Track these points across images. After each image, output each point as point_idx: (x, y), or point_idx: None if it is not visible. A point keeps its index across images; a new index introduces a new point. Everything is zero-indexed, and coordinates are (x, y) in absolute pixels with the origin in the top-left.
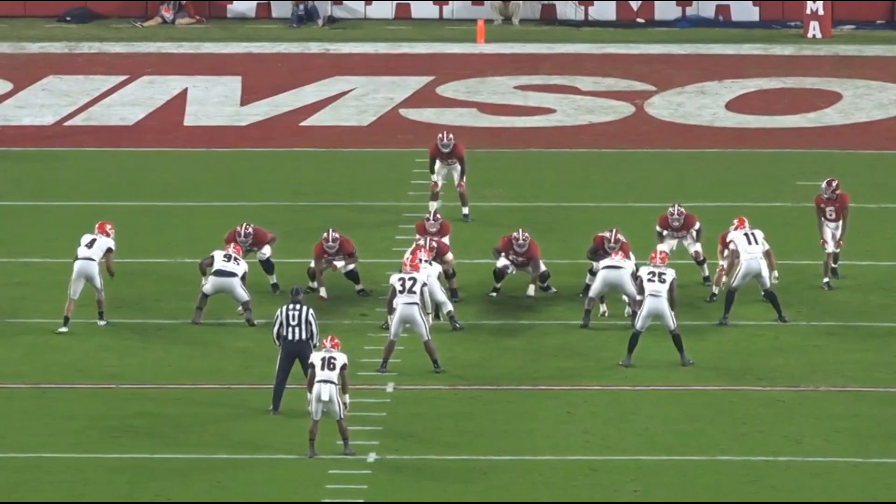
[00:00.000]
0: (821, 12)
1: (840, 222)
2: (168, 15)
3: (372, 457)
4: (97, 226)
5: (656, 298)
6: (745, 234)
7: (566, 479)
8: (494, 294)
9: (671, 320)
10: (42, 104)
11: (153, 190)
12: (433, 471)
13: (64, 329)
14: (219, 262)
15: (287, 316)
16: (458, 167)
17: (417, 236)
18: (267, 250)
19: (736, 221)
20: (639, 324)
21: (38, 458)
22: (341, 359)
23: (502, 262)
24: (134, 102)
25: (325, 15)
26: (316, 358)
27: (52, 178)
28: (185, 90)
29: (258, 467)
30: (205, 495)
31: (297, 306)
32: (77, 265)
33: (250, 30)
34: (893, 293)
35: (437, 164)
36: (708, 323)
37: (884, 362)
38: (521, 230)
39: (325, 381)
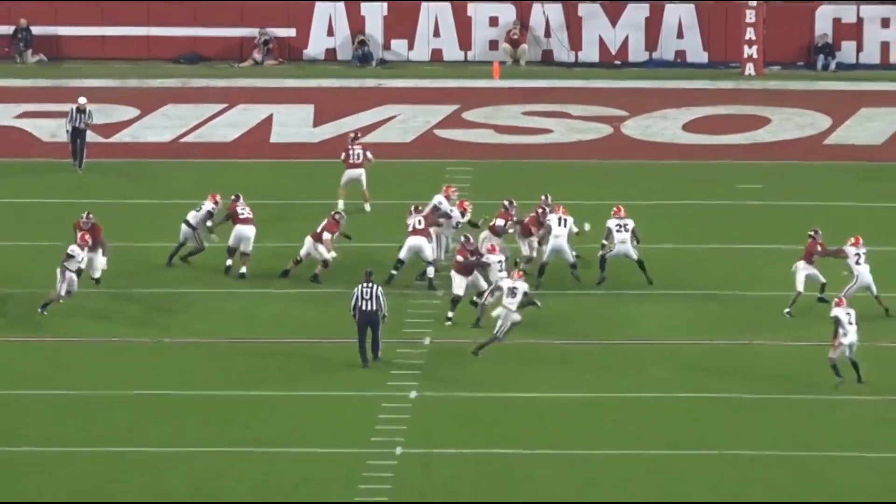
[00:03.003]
0: (755, 55)
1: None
2: (258, 57)
3: (413, 394)
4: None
5: (623, 245)
6: (559, 218)
7: (564, 411)
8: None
9: (634, 254)
10: (162, 126)
11: (246, 192)
12: (465, 405)
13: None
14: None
15: (361, 292)
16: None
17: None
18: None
19: (561, 208)
20: (608, 256)
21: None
22: (522, 287)
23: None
24: (232, 125)
25: (377, 58)
26: (505, 285)
27: (170, 182)
28: (271, 115)
29: (343, 400)
30: (287, 423)
31: (370, 285)
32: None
33: (321, 69)
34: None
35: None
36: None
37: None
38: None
39: (507, 307)
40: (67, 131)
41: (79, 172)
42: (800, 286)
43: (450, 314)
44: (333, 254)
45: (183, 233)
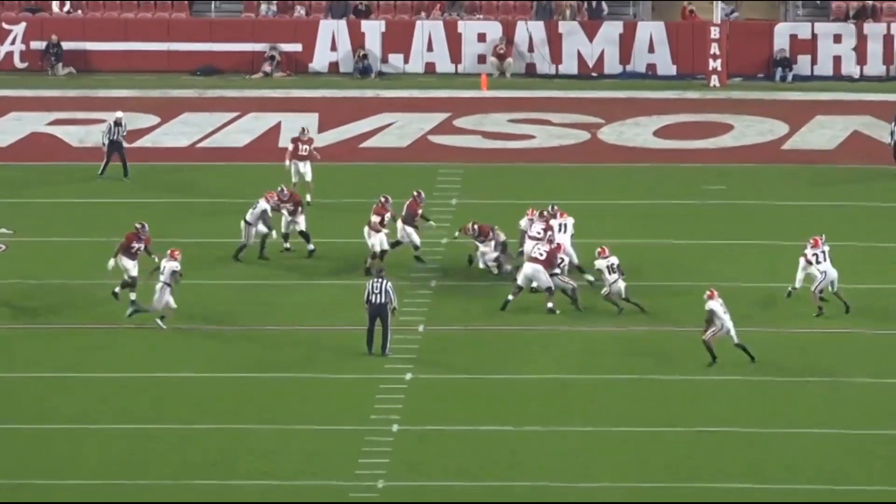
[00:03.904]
0: (719, 68)
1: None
2: (268, 70)
3: (408, 376)
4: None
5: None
6: (560, 223)
7: (545, 391)
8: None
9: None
10: (180, 132)
11: (257, 192)
12: (456, 386)
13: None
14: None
15: (372, 286)
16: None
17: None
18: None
19: (563, 214)
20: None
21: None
22: (615, 260)
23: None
24: (244, 131)
25: (376, 70)
26: (602, 265)
27: (188, 184)
28: (279, 122)
29: (344, 382)
30: (294, 403)
31: (380, 280)
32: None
33: (325, 80)
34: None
35: (295, 163)
36: None
37: None
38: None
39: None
40: (104, 144)
41: (125, 181)
42: (797, 283)
43: (550, 304)
44: (383, 234)
45: (244, 232)
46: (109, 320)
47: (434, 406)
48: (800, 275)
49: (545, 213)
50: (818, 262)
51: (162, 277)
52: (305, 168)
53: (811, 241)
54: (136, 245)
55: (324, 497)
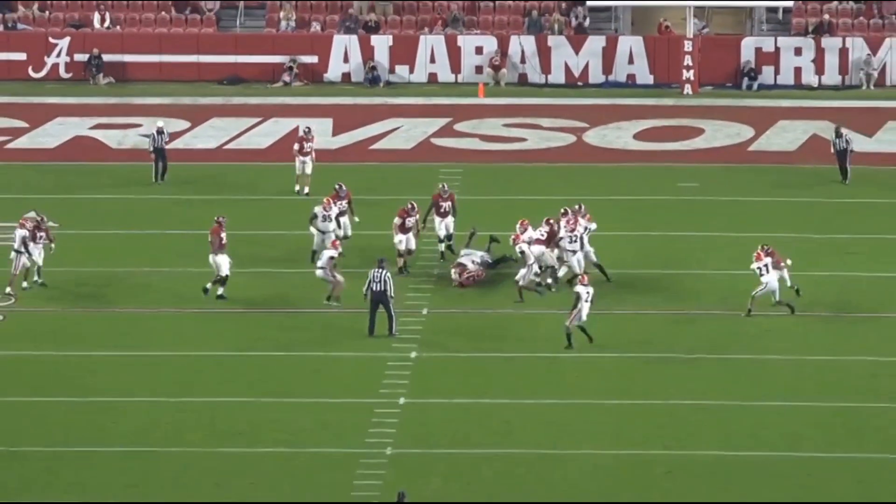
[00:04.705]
0: (692, 78)
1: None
2: (287, 79)
3: (413, 354)
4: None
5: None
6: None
7: (536, 368)
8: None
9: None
10: (209, 135)
11: (283, 189)
12: (457, 363)
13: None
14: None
15: (373, 276)
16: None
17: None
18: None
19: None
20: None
21: (244, 356)
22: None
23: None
24: (266, 135)
25: (384, 80)
26: (582, 291)
27: (216, 181)
28: (297, 127)
29: (355, 359)
30: (310, 379)
31: (380, 270)
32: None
33: (338, 89)
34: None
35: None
36: None
37: None
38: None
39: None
40: (150, 152)
41: (160, 183)
42: (776, 295)
43: (549, 280)
44: (410, 234)
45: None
46: (149, 305)
47: (437, 381)
48: (775, 284)
49: (550, 219)
50: (761, 275)
51: (320, 263)
52: (307, 163)
53: (754, 255)
54: (223, 235)
55: (338, 462)
